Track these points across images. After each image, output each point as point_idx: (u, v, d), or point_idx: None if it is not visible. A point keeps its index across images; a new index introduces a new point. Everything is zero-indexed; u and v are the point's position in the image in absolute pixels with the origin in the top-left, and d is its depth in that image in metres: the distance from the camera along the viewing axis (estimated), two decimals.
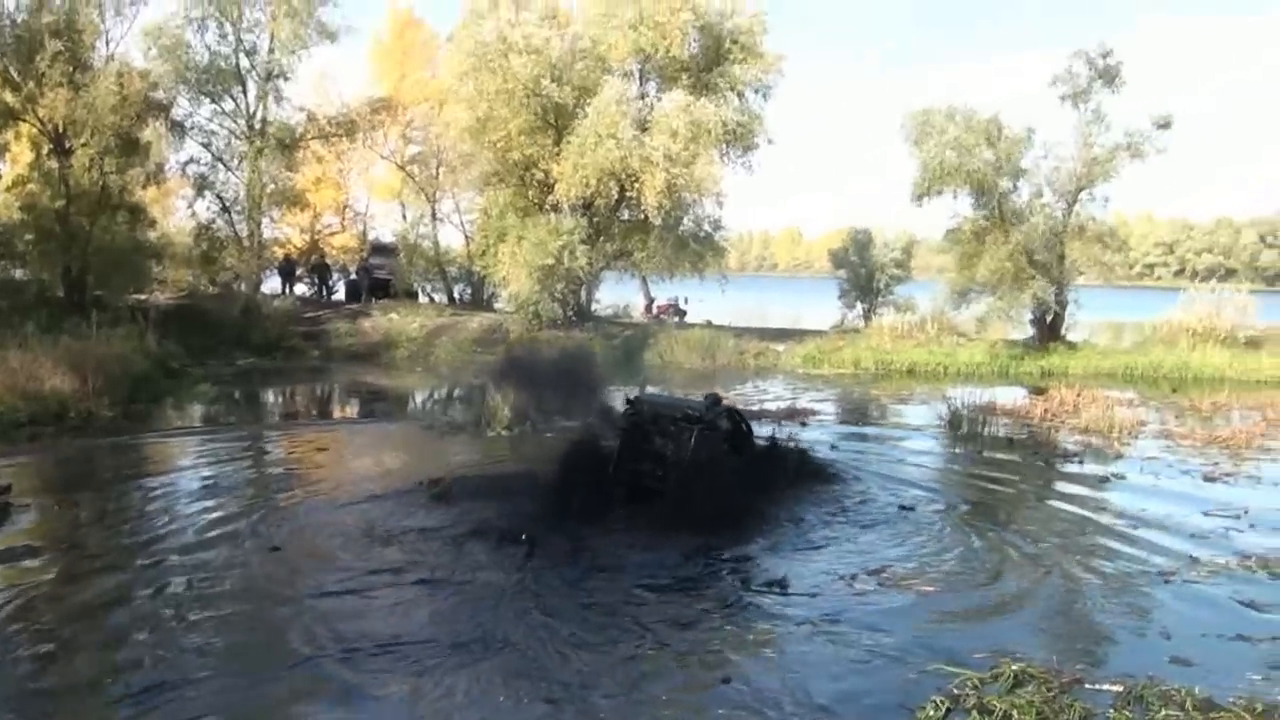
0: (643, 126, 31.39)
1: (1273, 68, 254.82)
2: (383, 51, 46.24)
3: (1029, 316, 34.34)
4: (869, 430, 21.04)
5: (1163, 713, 7.13)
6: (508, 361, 24.68)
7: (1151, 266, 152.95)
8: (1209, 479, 16.05)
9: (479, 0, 33.25)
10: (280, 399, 26.10)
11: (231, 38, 34.93)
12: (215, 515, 12.27)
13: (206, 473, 15.01)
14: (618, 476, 12.92)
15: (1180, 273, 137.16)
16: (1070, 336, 35.55)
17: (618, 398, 15.40)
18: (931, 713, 7.08)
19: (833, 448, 17.89)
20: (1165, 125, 32.81)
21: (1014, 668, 7.72)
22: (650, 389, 15.31)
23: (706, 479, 12.05)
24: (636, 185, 31.32)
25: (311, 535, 11.51)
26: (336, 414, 24.13)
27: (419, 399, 26.90)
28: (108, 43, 31.84)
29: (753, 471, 13.37)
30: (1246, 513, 13.40)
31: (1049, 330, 34.54)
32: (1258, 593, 10.05)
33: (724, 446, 13.06)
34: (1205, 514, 13.39)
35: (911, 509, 13.16)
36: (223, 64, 34.99)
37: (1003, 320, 34.63)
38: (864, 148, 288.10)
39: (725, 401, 14.03)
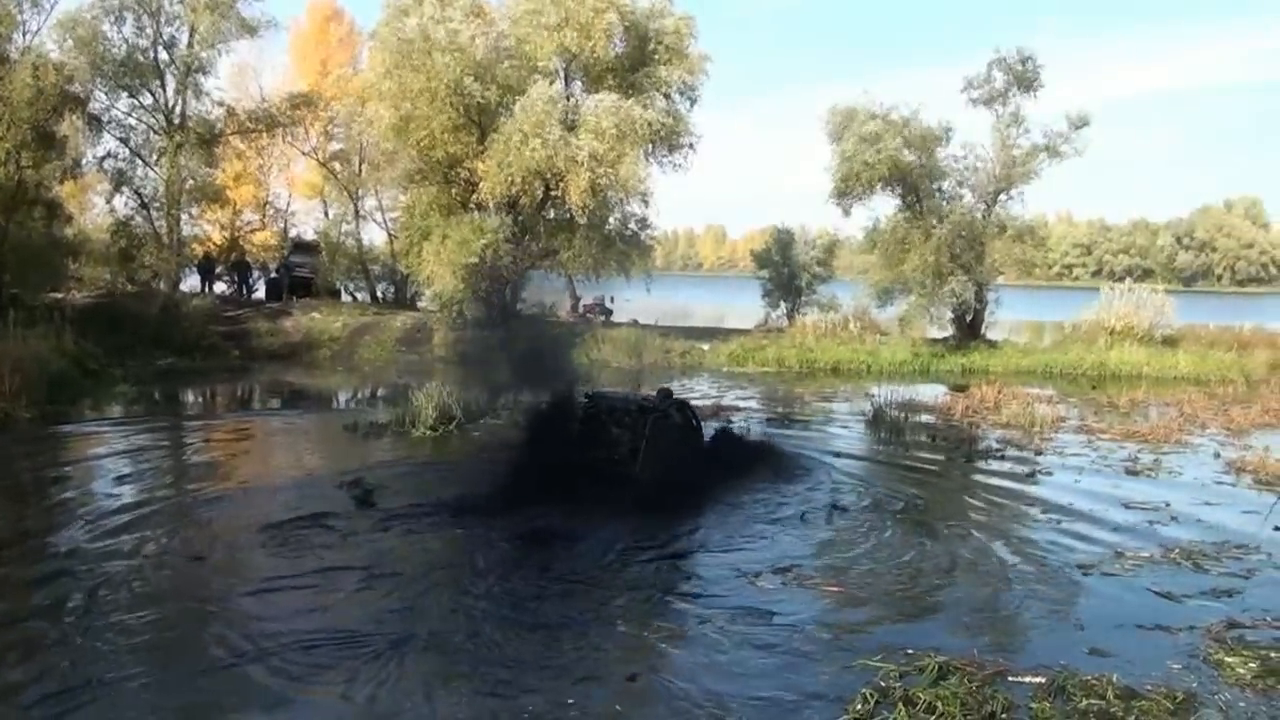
0: (568, 126, 31.28)
1: (1183, 71, 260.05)
2: (304, 44, 45.76)
3: (950, 315, 34.78)
4: (794, 426, 21.12)
5: (1084, 702, 7.23)
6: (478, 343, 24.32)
7: (1070, 267, 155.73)
8: (1130, 473, 16.39)
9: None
10: (200, 400, 25.62)
11: (150, 30, 34.22)
12: (132, 518, 11.97)
13: (123, 475, 14.71)
14: (577, 463, 13.50)
15: (1098, 273, 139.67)
16: (991, 335, 36.09)
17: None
18: (860, 706, 7.10)
19: None
20: (1082, 125, 33.42)
21: (937, 660, 7.78)
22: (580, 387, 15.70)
23: (660, 463, 13.34)
24: (562, 185, 31.24)
25: (231, 538, 11.29)
26: (257, 415, 23.63)
27: (342, 399, 26.58)
28: (24, 34, 31.22)
29: (702, 459, 14.60)
30: (1168, 505, 13.69)
31: (970, 329, 35.03)
32: (1177, 583, 10.26)
33: (676, 435, 14.16)
34: (1127, 507, 13.63)
35: (844, 509, 13.19)
36: (141, 57, 34.22)
37: (924, 319, 35.05)
38: (790, 146, 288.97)
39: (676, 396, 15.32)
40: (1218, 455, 18.03)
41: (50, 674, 7.53)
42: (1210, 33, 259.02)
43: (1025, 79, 33.51)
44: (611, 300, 41.78)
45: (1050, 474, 16.08)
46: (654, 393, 15.40)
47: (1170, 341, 34.64)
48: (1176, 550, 11.37)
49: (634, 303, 40.96)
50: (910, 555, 11.20)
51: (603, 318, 40.71)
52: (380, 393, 26.95)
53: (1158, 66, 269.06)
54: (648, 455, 13.51)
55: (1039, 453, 18.03)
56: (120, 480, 14.23)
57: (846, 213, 34.77)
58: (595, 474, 13.35)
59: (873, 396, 23.91)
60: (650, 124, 31.47)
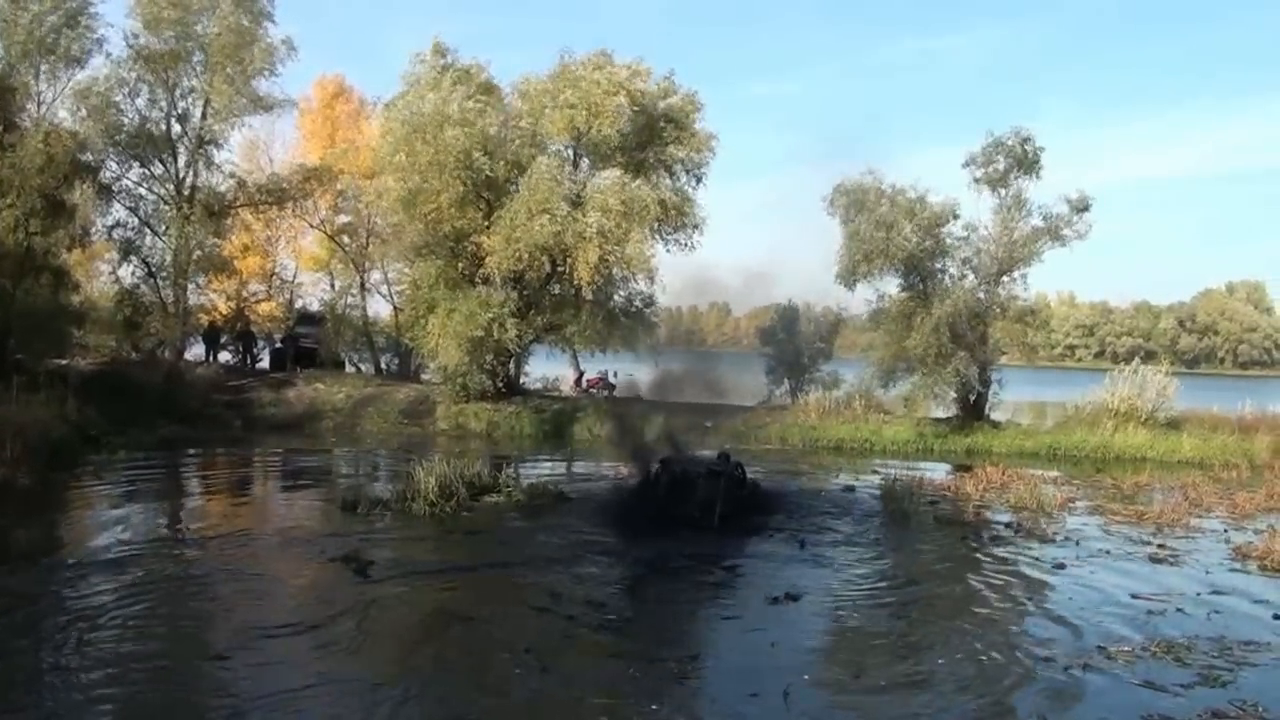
0: (575, 203, 31.46)
1: (1186, 158, 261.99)
2: (312, 120, 46.15)
3: (953, 395, 34.61)
4: (795, 503, 20.87)
5: None
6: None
7: (1073, 348, 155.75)
8: (1136, 560, 16.30)
9: (417, 69, 33.41)
10: (200, 471, 25.44)
11: (164, 103, 34.73)
12: (135, 601, 11.90)
13: (123, 549, 14.60)
14: (661, 516, 16.91)
15: (1101, 354, 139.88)
16: (994, 416, 35.91)
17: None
18: None
19: None
20: (1084, 208, 33.35)
21: None
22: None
23: (734, 514, 17.18)
24: (569, 260, 31.33)
25: (226, 615, 11.31)
26: (257, 487, 23.57)
27: (343, 472, 26.40)
28: (39, 104, 31.54)
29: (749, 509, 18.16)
30: (1175, 595, 13.60)
31: (973, 409, 34.85)
32: (1169, 676, 10.23)
33: (738, 491, 18.04)
34: (1134, 597, 13.52)
35: (796, 597, 12.95)
36: (153, 129, 34.73)
37: (928, 398, 34.86)
38: (793, 226, 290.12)
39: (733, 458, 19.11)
40: (1226, 541, 17.91)
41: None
42: (1212, 120, 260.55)
43: (1026, 160, 33.57)
44: (615, 375, 41.77)
45: (1050, 561, 15.90)
46: (714, 454, 19.36)
47: (1173, 424, 34.46)
48: (1158, 643, 11.29)
49: (637, 377, 40.97)
50: (899, 642, 11.25)
51: (606, 393, 40.69)
52: (381, 466, 26.88)
53: (1160, 153, 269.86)
54: (727, 512, 16.96)
55: (1044, 539, 17.86)
56: (115, 554, 14.18)
57: (850, 288, 34.69)
58: (678, 524, 16.54)
59: (876, 474, 23.82)
60: (658, 203, 31.59)
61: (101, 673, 9.29)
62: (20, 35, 30.35)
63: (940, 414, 35.98)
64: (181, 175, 35.65)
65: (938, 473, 26.59)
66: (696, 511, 16.96)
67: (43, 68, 31.29)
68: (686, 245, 34.99)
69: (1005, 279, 34.25)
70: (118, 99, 33.76)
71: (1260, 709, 9.22)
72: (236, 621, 11.01)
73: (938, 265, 34.35)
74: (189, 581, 12.66)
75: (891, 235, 32.28)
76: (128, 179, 35.72)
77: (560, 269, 32.45)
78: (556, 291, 34.87)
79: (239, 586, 12.50)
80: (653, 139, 34.27)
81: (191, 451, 26.86)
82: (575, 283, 32.12)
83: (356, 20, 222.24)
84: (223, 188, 37.06)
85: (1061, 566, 15.49)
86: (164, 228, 35.97)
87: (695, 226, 34.70)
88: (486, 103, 32.27)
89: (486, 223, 32.50)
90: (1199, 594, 13.81)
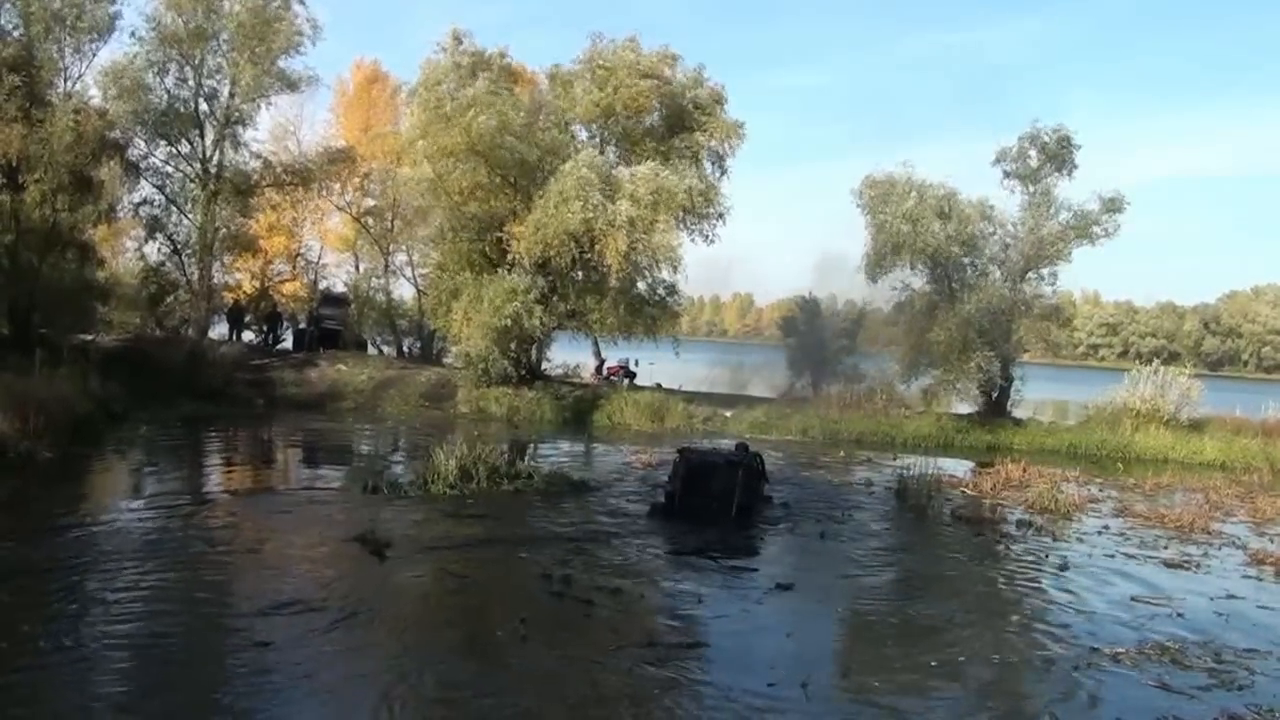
0: (607, 191, 31.35)
1: (1213, 157, 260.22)
2: (347, 104, 46.24)
3: (975, 391, 34.46)
4: (814, 495, 20.92)
5: None
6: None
7: (1096, 347, 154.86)
8: (1154, 564, 16.19)
9: (438, 57, 33.42)
10: (222, 449, 25.50)
11: (191, 82, 34.81)
12: (152, 575, 11.97)
13: (142, 524, 14.73)
14: (680, 507, 16.99)
15: (1124, 354, 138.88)
16: (1016, 413, 35.77)
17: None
18: None
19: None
20: (1115, 209, 33.12)
21: None
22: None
23: (751, 505, 17.35)
24: (596, 247, 31.20)
25: (254, 603, 11.21)
26: (278, 467, 23.51)
27: (364, 453, 26.47)
28: (65, 79, 31.66)
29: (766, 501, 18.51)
30: (1179, 599, 13.59)
31: (995, 405, 34.73)
32: (1173, 679, 10.19)
33: (756, 484, 17.87)
34: (1134, 599, 13.49)
35: (789, 586, 13.09)
36: (181, 108, 34.83)
37: (949, 393, 34.73)
38: (818, 217, 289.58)
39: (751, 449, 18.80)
40: (1244, 546, 17.81)
41: None
42: (1242, 119, 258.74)
43: (1060, 157, 33.41)
44: (636, 364, 41.77)
45: (1062, 561, 15.81)
46: (733, 446, 19.14)
47: (1196, 426, 34.26)
48: (1154, 645, 11.29)
49: (658, 366, 40.98)
50: (913, 637, 11.29)
51: (626, 381, 40.69)
52: (401, 447, 26.94)
53: (1188, 151, 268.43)
54: (743, 503, 16.89)
55: (1058, 538, 17.77)
56: (134, 529, 14.33)
57: (874, 280, 34.66)
58: (697, 517, 16.50)
59: (897, 469, 23.75)
60: (686, 191, 31.50)
61: (115, 643, 9.43)
62: (36, 6, 30.49)
63: (962, 409, 35.87)
64: (208, 154, 35.73)
65: (958, 469, 26.50)
66: (714, 502, 16.81)
67: (66, 40, 31.37)
68: (710, 237, 34.92)
69: (1031, 275, 34.09)
70: (147, 78, 33.88)
71: (1277, 714, 9.19)
72: (251, 597, 11.16)
73: (965, 260, 34.21)
74: (205, 557, 12.79)
75: (918, 229, 32.17)
76: (155, 157, 35.89)
77: (587, 256, 32.29)
78: (581, 278, 34.78)
79: (255, 563, 12.70)
80: (680, 128, 34.22)
81: (213, 429, 26.95)
82: (600, 270, 32.08)
83: (383, 8, 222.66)
84: (249, 167, 37.10)
85: (1066, 568, 15.36)
86: (190, 206, 36.12)
87: (720, 215, 34.61)
88: (510, 88, 32.26)
89: (514, 207, 32.43)
90: (1211, 598, 13.78)
